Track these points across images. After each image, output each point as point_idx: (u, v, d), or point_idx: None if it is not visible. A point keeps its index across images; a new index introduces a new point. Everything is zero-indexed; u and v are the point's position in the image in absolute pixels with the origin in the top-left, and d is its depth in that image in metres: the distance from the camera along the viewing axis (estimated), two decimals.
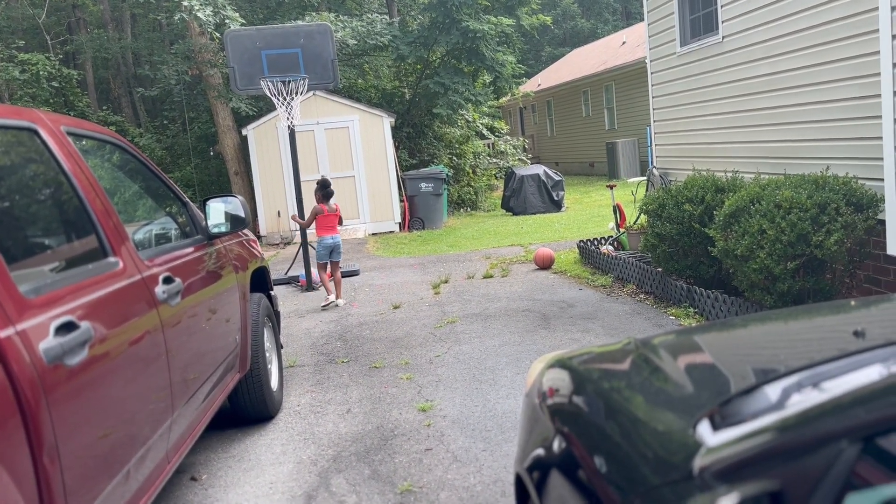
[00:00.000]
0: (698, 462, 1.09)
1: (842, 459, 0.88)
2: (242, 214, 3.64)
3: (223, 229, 3.67)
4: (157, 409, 2.58)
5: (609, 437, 1.46)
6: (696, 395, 1.46)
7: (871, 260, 4.93)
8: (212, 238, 3.65)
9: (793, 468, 0.94)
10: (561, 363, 2.02)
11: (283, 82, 7.72)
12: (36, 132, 2.40)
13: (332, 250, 7.17)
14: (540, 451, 1.72)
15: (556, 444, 1.67)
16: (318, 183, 7.26)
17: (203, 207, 3.64)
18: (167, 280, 2.83)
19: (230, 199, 3.68)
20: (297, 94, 7.80)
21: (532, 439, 1.83)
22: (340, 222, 7.29)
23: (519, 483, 1.94)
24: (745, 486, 0.93)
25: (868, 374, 1.31)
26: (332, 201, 7.26)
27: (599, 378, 1.76)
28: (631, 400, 1.54)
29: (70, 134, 2.65)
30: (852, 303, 2.00)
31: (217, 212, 3.68)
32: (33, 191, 2.48)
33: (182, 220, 3.60)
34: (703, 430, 1.21)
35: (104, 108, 19.19)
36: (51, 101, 16.54)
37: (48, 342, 1.89)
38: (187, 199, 3.64)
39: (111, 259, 2.52)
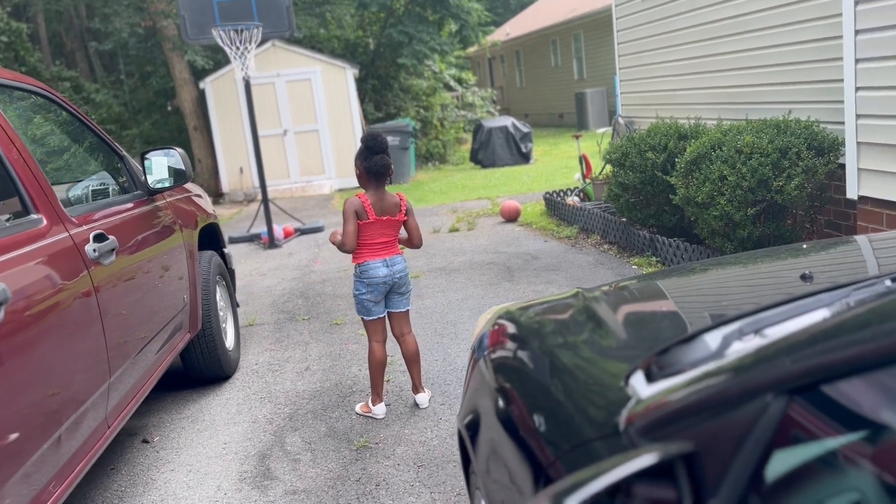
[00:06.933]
0: (625, 415, 1.02)
1: (769, 413, 0.80)
2: (183, 167, 3.47)
3: (166, 184, 3.50)
4: (91, 374, 2.46)
5: (547, 392, 1.39)
6: (636, 345, 1.39)
7: (832, 205, 4.91)
8: (153, 193, 3.49)
9: (720, 422, 0.87)
10: (507, 315, 1.94)
11: (236, 31, 7.41)
12: None
13: (392, 289, 3.43)
14: (480, 407, 1.65)
15: (496, 400, 1.60)
16: (361, 141, 3.39)
17: (142, 162, 3.45)
18: (99, 238, 2.68)
19: (172, 151, 3.50)
20: (251, 43, 7.50)
21: (473, 394, 1.76)
22: (409, 230, 3.45)
23: (462, 439, 1.87)
24: (668, 444, 0.85)
25: (811, 319, 1.24)
26: (392, 190, 3.42)
27: (542, 330, 1.68)
28: (570, 352, 1.46)
29: None
30: (804, 246, 1.94)
31: (159, 166, 3.51)
32: None
33: (119, 175, 3.42)
34: (637, 382, 1.14)
35: (57, 62, 18.44)
36: (0, 55, 15.84)
37: None
38: (124, 153, 3.46)
39: (33, 216, 2.37)
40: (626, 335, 1.45)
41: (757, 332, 1.25)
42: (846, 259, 1.73)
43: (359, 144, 3.44)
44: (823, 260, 1.72)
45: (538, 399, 1.37)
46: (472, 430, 1.63)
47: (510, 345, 1.74)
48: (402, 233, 3.50)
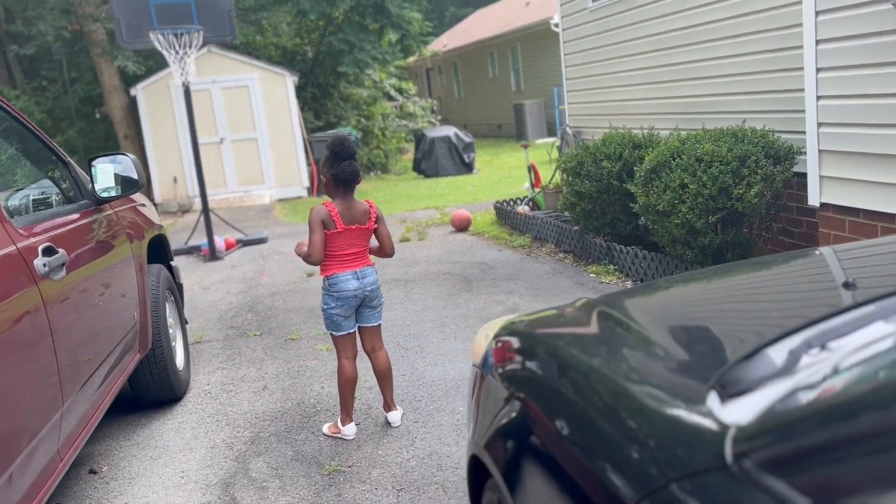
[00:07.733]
0: (729, 445, 0.90)
1: None
2: (135, 175, 3.21)
3: (113, 193, 3.24)
4: (44, 401, 2.21)
5: (597, 417, 1.26)
6: (691, 359, 1.28)
7: (785, 212, 5.00)
8: (100, 203, 3.22)
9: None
10: (511, 329, 1.81)
11: (176, 35, 7.08)
12: None
13: (363, 302, 3.29)
14: (506, 430, 1.51)
15: (523, 425, 1.46)
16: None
17: (89, 169, 3.19)
18: (48, 251, 2.42)
19: (120, 158, 3.25)
20: (190, 47, 7.18)
21: (490, 418, 1.62)
22: (380, 238, 3.31)
23: (474, 466, 1.72)
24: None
25: (880, 329, 1.16)
26: (361, 195, 3.14)
27: (566, 344, 1.56)
28: (615, 371, 1.34)
29: None
30: (817, 252, 1.89)
31: (105, 173, 3.24)
32: None
33: (65, 183, 3.15)
34: (716, 403, 1.03)
35: None
36: None
37: None
38: (69, 160, 3.19)
39: None
40: (671, 347, 1.35)
41: (823, 346, 1.17)
42: (871, 265, 1.68)
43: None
44: (851, 267, 1.66)
45: (587, 423, 1.24)
46: (497, 453, 1.49)
47: (529, 361, 1.61)
48: (373, 242, 3.35)
